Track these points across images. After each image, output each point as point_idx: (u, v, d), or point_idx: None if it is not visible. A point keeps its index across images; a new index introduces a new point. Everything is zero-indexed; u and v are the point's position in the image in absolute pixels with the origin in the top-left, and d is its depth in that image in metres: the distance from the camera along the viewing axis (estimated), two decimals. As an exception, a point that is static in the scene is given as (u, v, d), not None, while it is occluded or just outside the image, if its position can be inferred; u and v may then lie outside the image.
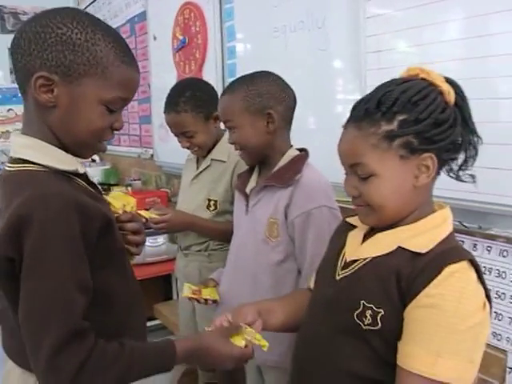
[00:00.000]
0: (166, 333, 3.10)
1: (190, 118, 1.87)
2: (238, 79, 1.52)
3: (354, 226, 1.10)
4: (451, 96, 0.95)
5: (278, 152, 1.48)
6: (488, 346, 1.58)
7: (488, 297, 0.94)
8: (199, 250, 1.95)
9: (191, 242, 1.96)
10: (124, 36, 4.11)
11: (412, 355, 0.90)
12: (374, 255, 0.99)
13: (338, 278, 1.04)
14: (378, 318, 0.93)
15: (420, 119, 0.92)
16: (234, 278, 1.53)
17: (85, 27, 0.96)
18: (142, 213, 1.81)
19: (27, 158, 0.97)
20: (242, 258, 1.52)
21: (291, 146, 1.52)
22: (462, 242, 1.60)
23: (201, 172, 1.97)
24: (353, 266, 1.01)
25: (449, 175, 1.03)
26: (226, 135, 1.92)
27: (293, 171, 1.42)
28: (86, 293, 0.93)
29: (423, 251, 0.92)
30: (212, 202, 1.90)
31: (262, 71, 1.51)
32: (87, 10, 5.05)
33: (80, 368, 0.87)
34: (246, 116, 1.43)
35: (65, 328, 0.87)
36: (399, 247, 0.96)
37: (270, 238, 1.43)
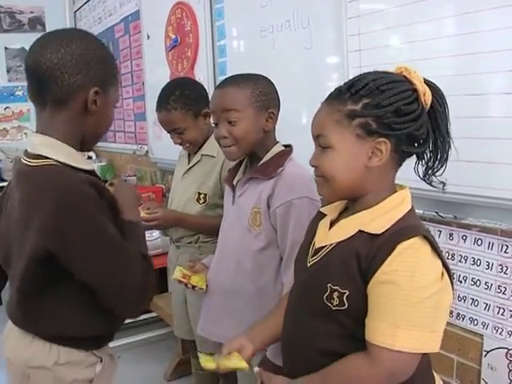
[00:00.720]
0: (162, 325, 3.18)
1: (180, 115, 1.95)
2: (237, 76, 1.57)
3: (325, 215, 1.17)
4: (427, 97, 1.03)
5: (265, 148, 1.56)
6: (465, 330, 1.66)
7: (446, 268, 1.00)
8: (190, 242, 2.03)
9: (182, 234, 2.04)
10: (118, 35, 4.23)
11: (374, 329, 0.97)
12: (337, 240, 1.06)
13: (308, 264, 1.12)
14: (344, 298, 1.00)
15: (382, 105, 0.99)
16: (220, 264, 1.61)
17: (107, 48, 1.23)
18: None
19: (49, 156, 1.14)
20: (227, 246, 1.59)
21: (277, 142, 1.59)
22: (439, 231, 1.68)
23: (191, 167, 2.05)
24: (321, 253, 1.09)
25: (422, 179, 1.10)
26: None
27: (276, 165, 1.50)
28: None
29: (379, 232, 0.99)
30: (202, 196, 1.97)
31: (259, 74, 1.58)
32: (82, 8, 5.10)
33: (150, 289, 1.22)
34: (251, 110, 1.49)
35: (140, 266, 1.16)
36: (359, 231, 1.03)
37: (253, 227, 1.51)
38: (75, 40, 1.14)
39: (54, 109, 1.15)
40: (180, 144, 2.03)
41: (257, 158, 1.56)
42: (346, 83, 1.06)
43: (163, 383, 2.82)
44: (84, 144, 1.22)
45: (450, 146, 1.07)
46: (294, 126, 2.17)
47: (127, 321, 3.15)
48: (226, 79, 1.60)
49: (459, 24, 1.55)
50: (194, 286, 1.61)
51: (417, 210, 1.70)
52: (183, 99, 1.96)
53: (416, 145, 1.05)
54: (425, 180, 1.09)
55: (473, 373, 1.65)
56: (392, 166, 1.06)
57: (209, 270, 1.65)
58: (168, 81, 2.27)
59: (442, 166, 1.07)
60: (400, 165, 1.08)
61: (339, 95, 1.04)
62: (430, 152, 1.07)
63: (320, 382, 1.05)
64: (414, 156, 1.09)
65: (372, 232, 1.00)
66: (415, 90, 1.02)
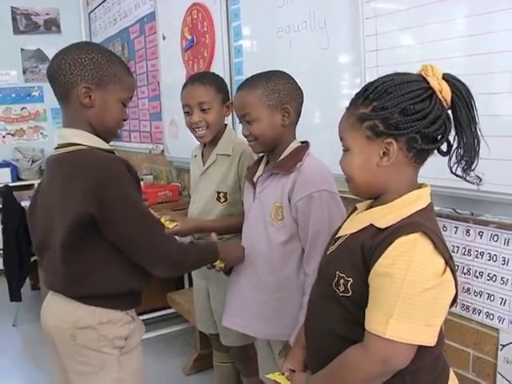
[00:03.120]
0: (180, 320, 3.23)
1: (213, 92, 1.98)
2: (254, 76, 1.64)
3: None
4: (444, 94, 1.05)
5: (285, 144, 1.61)
6: (482, 325, 1.69)
7: (450, 266, 1.01)
8: None
9: (203, 234, 2.07)
10: (134, 35, 4.28)
11: (370, 317, 1.02)
12: (351, 232, 1.12)
13: (328, 252, 1.19)
14: (349, 285, 1.06)
15: (387, 106, 1.03)
16: (247, 257, 1.66)
17: (103, 52, 1.43)
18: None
19: (79, 142, 1.39)
20: (251, 240, 1.65)
21: (294, 138, 1.64)
22: (456, 228, 1.71)
23: (208, 167, 2.07)
24: (338, 242, 1.15)
25: (454, 174, 1.09)
26: (228, 130, 2.05)
27: (295, 160, 1.56)
28: None
29: (383, 227, 1.04)
30: (222, 194, 2.00)
31: (277, 70, 1.63)
32: (97, 10, 5.16)
33: (180, 255, 1.46)
34: (264, 110, 1.56)
35: (163, 235, 1.43)
36: (370, 224, 1.08)
37: (276, 221, 1.57)
38: (74, 48, 1.41)
39: (64, 105, 1.43)
40: (197, 125, 1.99)
41: (276, 154, 1.62)
42: (362, 88, 1.10)
43: (182, 377, 2.88)
44: (100, 136, 1.44)
45: (476, 141, 1.07)
46: (311, 124, 2.21)
47: (146, 316, 3.20)
48: (244, 81, 1.67)
49: (474, 24, 1.57)
50: (213, 266, 1.67)
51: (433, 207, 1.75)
52: (218, 81, 2.03)
53: (434, 142, 1.07)
54: (456, 174, 1.09)
55: (489, 366, 1.68)
56: (409, 164, 1.08)
57: None
58: (184, 79, 2.30)
59: (471, 162, 1.07)
60: (421, 162, 1.10)
61: (355, 100, 1.10)
62: (457, 148, 1.08)
63: (328, 374, 1.10)
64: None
65: (378, 226, 1.05)
66: (432, 88, 1.05)
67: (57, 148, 1.43)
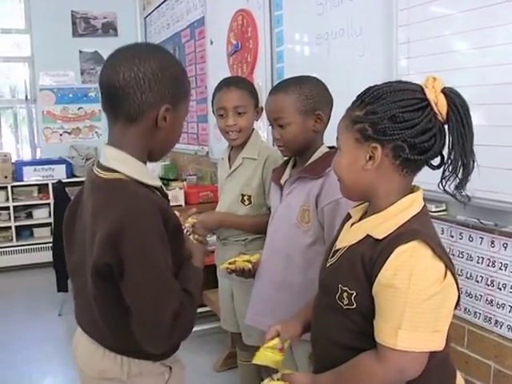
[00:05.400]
0: (215, 319, 3.28)
1: (247, 96, 2.07)
2: (288, 80, 1.67)
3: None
4: (440, 107, 1.03)
5: (313, 148, 1.65)
6: (503, 338, 1.67)
7: (450, 269, 1.01)
8: (237, 240, 2.12)
9: (229, 234, 2.13)
10: (185, 40, 4.41)
11: (379, 329, 1.03)
12: (349, 244, 1.13)
13: (327, 265, 1.19)
14: (352, 298, 1.07)
15: (377, 111, 1.04)
16: (270, 258, 1.70)
17: (179, 64, 1.21)
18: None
19: (119, 170, 1.14)
20: (276, 241, 1.69)
21: (323, 143, 1.67)
22: (481, 238, 1.70)
23: (234, 170, 2.13)
24: (336, 255, 1.16)
25: (444, 189, 1.08)
26: (255, 134, 2.11)
27: (324, 165, 1.58)
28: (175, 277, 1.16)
29: (381, 237, 1.04)
30: (246, 197, 2.05)
31: (310, 76, 1.67)
32: (152, 15, 5.33)
33: (186, 330, 1.18)
34: (297, 115, 1.59)
35: (175, 306, 1.10)
36: (367, 235, 1.08)
37: (302, 223, 1.60)
38: (149, 57, 1.13)
39: (125, 124, 1.15)
40: (231, 128, 2.05)
41: (305, 158, 1.65)
42: (362, 91, 1.11)
43: (213, 373, 2.95)
44: (151, 157, 1.22)
45: (465, 159, 1.04)
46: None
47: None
48: (276, 85, 1.70)
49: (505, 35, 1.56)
50: (242, 270, 1.71)
51: (459, 217, 1.74)
52: (251, 87, 2.13)
53: (422, 153, 1.05)
54: (445, 190, 1.07)
55: (510, 381, 1.65)
56: (395, 172, 1.07)
57: (260, 262, 1.74)
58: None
59: (462, 180, 1.05)
60: (411, 172, 1.08)
61: (354, 102, 1.11)
62: (446, 163, 1.07)
63: (336, 378, 1.11)
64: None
65: (375, 237, 1.06)
66: (427, 100, 1.03)
67: (98, 166, 1.20)
